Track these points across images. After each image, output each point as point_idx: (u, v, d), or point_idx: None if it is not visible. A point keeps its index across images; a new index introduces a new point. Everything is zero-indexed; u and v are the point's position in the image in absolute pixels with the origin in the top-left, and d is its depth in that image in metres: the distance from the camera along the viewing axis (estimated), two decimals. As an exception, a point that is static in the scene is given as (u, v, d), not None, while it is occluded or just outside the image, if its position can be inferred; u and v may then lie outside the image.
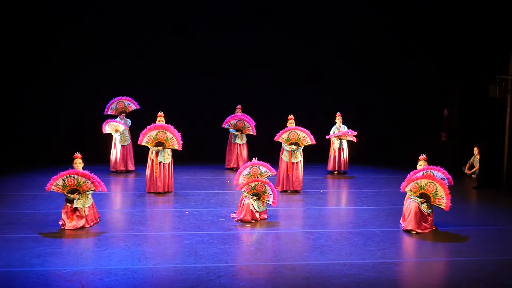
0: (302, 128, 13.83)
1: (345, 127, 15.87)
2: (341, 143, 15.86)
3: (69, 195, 10.69)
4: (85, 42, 17.67)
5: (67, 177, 10.67)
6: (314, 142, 13.96)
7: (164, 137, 13.36)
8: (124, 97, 15.83)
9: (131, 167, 15.78)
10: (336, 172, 15.96)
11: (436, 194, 10.76)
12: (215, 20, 18.08)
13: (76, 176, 10.69)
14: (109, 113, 15.70)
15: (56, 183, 10.68)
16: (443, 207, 10.77)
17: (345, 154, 15.95)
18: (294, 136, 13.79)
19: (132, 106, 15.85)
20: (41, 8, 17.30)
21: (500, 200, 13.58)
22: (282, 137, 13.84)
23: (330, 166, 16.00)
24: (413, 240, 10.55)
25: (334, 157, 15.87)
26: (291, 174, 13.85)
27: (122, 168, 15.65)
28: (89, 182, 10.73)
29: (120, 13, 17.73)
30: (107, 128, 15.45)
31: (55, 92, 17.59)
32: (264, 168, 11.79)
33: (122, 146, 15.60)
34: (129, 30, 17.83)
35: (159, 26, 17.96)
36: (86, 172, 10.78)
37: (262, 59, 18.32)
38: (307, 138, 13.80)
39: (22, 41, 17.31)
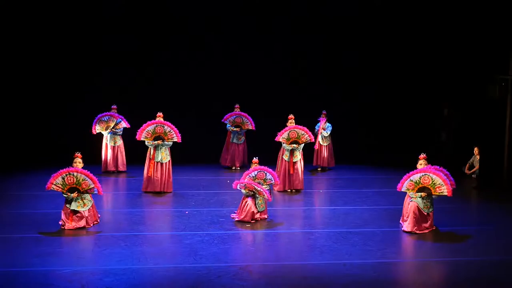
0: (301, 127, 13.91)
1: (330, 125, 15.97)
2: (323, 140, 16.05)
3: (68, 194, 10.66)
4: (83, 43, 17.69)
5: (66, 175, 10.65)
6: (313, 139, 14.03)
7: (162, 130, 13.35)
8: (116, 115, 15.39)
9: (122, 168, 15.57)
10: (319, 169, 16.14)
11: (434, 184, 10.65)
12: (215, 19, 18.08)
13: (75, 174, 10.66)
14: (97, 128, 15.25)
15: (56, 182, 10.65)
16: (446, 194, 10.60)
17: (327, 150, 16.17)
18: (294, 135, 13.83)
19: (123, 123, 15.40)
20: (42, 12, 17.34)
21: (500, 200, 13.58)
22: (282, 136, 13.87)
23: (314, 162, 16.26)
24: (413, 240, 10.54)
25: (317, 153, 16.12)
26: (293, 174, 13.82)
27: (113, 169, 15.46)
28: (88, 179, 10.69)
29: (119, 14, 17.74)
30: (98, 127, 15.29)
31: (55, 92, 17.59)
32: (270, 175, 11.73)
33: (112, 147, 15.39)
34: (129, 30, 17.83)
35: (159, 26, 17.95)
36: (85, 170, 10.78)
37: (262, 59, 18.31)
38: (306, 135, 13.88)
39: (26, 43, 17.35)
